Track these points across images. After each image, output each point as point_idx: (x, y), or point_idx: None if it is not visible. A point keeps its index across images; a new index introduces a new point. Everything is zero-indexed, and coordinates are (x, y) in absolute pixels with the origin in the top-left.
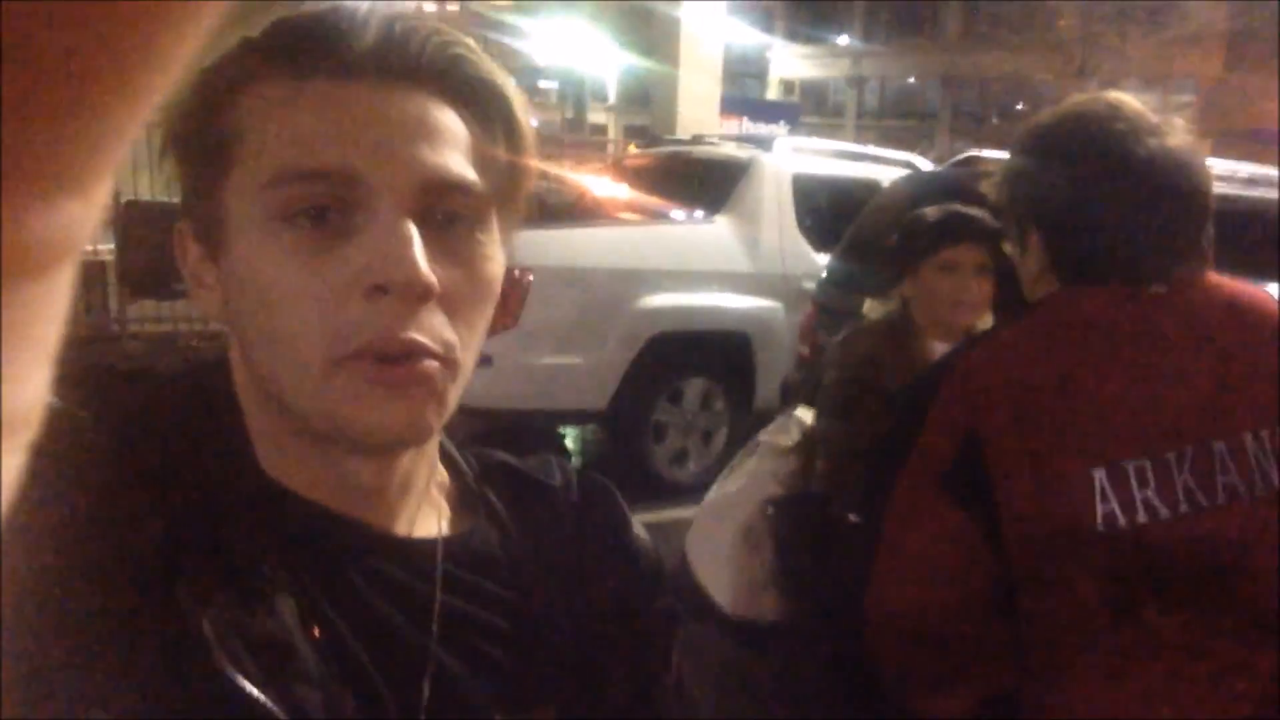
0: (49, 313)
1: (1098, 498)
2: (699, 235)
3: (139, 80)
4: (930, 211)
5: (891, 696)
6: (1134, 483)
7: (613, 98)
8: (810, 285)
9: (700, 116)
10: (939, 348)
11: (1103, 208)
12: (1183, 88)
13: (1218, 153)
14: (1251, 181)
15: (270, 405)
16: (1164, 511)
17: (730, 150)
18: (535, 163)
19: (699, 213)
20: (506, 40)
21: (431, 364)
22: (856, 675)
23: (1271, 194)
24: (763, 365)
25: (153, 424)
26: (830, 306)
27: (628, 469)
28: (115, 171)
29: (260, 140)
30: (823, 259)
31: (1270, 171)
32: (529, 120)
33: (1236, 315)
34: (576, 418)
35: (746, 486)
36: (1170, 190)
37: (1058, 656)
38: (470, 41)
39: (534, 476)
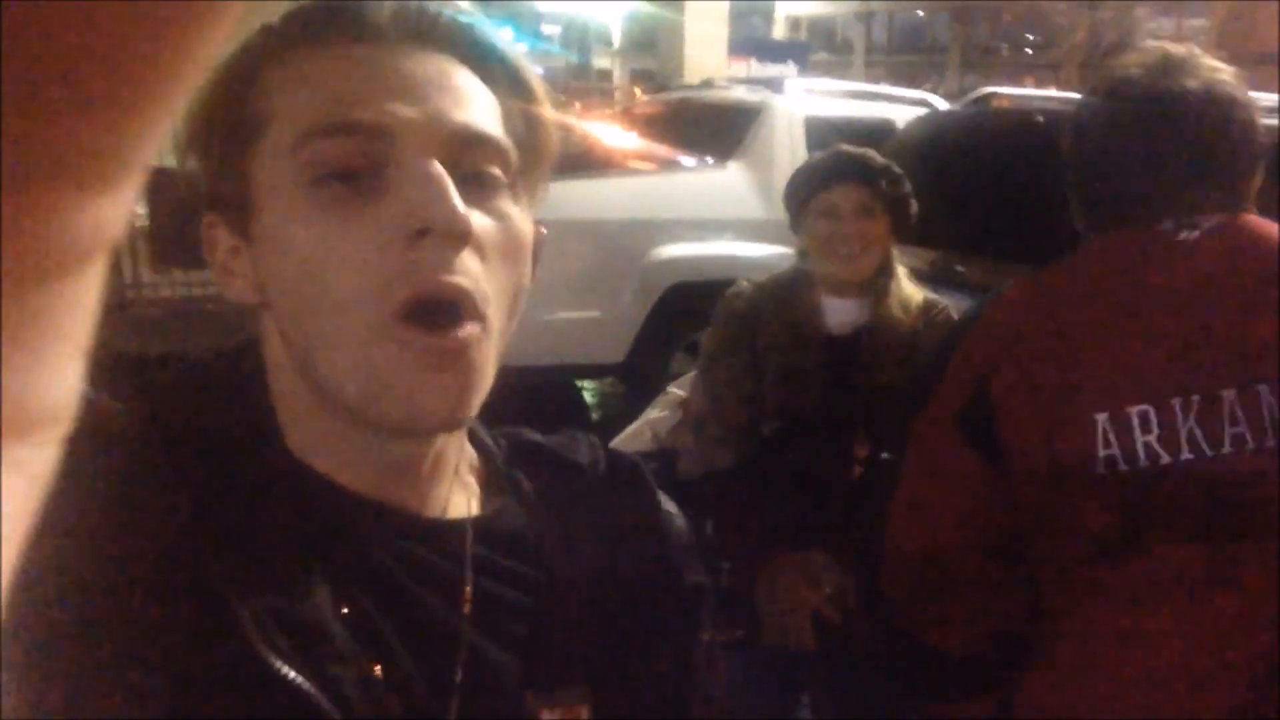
0: (81, 308)
1: (1099, 442)
2: (712, 182)
3: (164, 79)
4: (815, 156)
5: (905, 630)
6: (1136, 427)
7: (617, 42)
8: None
9: (707, 59)
10: (831, 304)
11: (1116, 151)
12: (1196, 11)
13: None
14: (1272, 111)
15: (304, 386)
16: (1165, 457)
17: (741, 94)
18: (555, 135)
19: (711, 159)
20: None
21: (473, 328)
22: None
23: None
24: None
25: (183, 410)
26: None
27: None
28: (145, 168)
29: (285, 106)
30: None
31: None
32: (545, 98)
33: (1272, 262)
34: (594, 371)
35: (627, 437)
36: (1194, 131)
37: (1065, 596)
38: (479, 15)
39: (561, 455)
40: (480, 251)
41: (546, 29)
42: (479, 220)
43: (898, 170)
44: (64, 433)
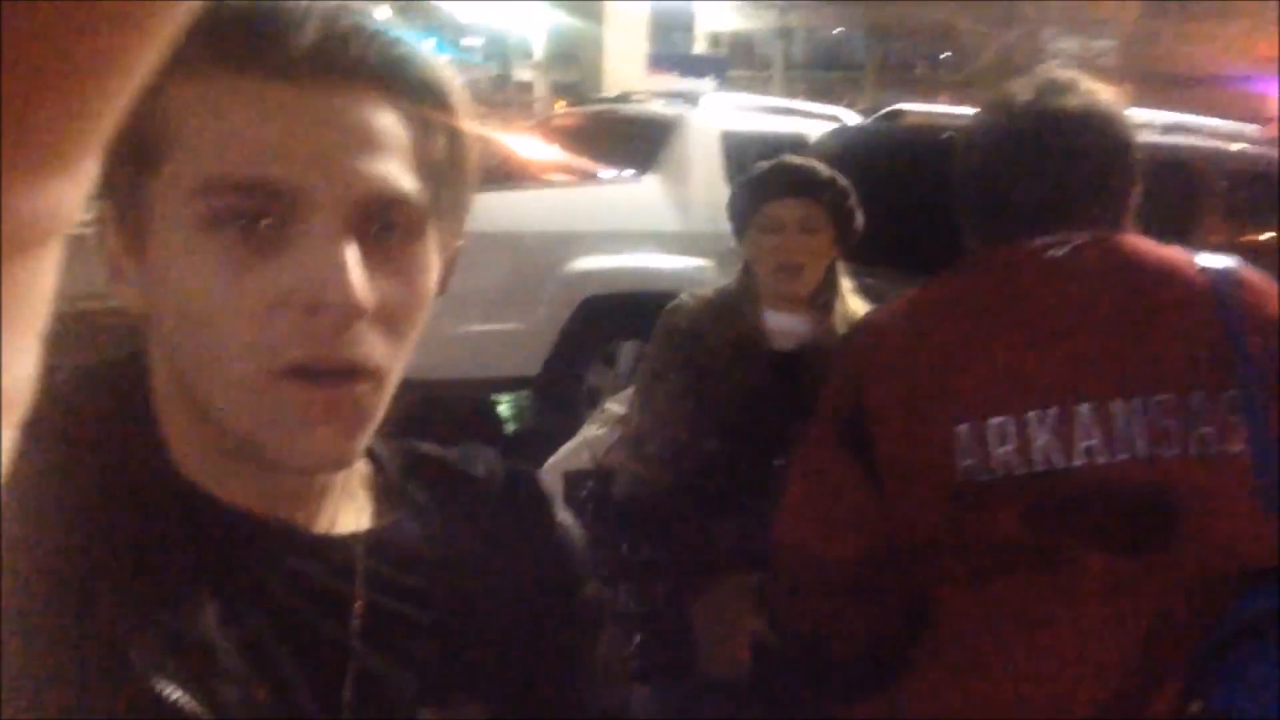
0: (37, 291)
1: (959, 453)
2: (628, 195)
3: (119, 63)
4: (759, 167)
5: (793, 635)
6: (991, 440)
7: (539, 54)
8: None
9: (627, 72)
10: (775, 318)
11: (988, 169)
12: (1102, 33)
13: (1141, 100)
14: (1169, 129)
15: (187, 408)
16: (1020, 469)
17: (657, 108)
18: (477, 159)
19: (627, 172)
20: None
21: (362, 387)
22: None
23: (1191, 141)
24: None
25: (63, 424)
26: None
27: (563, 434)
28: (100, 151)
29: (190, 141)
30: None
31: (1189, 119)
32: (472, 121)
33: (1141, 280)
34: (509, 385)
35: (565, 456)
36: (1070, 148)
37: (944, 603)
38: (415, 42)
39: (457, 468)
40: (381, 317)
41: (468, 41)
42: (382, 285)
43: (843, 183)
44: (20, 417)
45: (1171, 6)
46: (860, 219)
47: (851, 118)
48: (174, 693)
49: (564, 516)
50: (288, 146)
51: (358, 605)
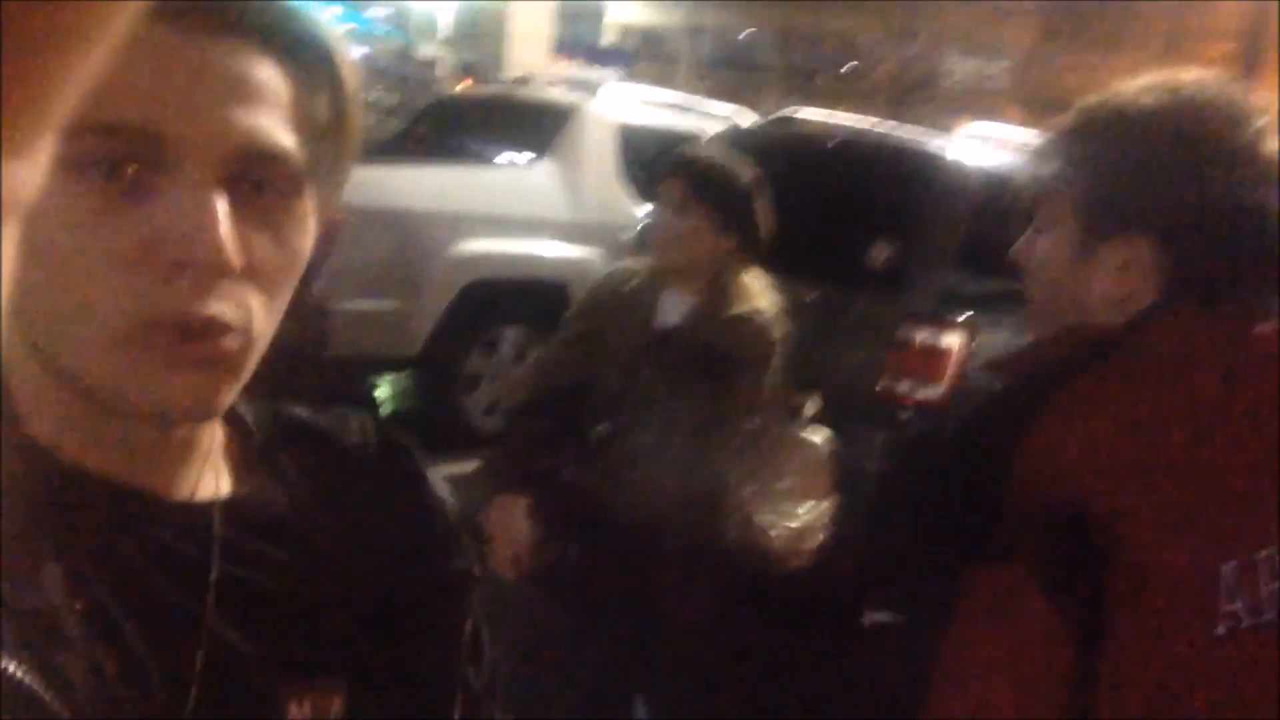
0: None
1: (1223, 595)
2: (520, 180)
3: (75, 48)
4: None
5: None
6: (1261, 577)
7: (444, 31)
8: (630, 236)
9: (530, 56)
10: (665, 295)
11: (1233, 215)
12: (999, 55)
13: (1028, 122)
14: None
15: (39, 366)
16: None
17: (555, 95)
18: (360, 125)
19: (521, 157)
20: None
21: (228, 342)
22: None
23: None
24: None
25: None
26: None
27: (439, 418)
28: (56, 133)
29: None
30: (646, 209)
31: None
32: (357, 84)
33: None
34: (387, 365)
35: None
36: None
37: None
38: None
39: (329, 433)
40: (251, 275)
41: (373, 12)
42: (254, 241)
43: (732, 171)
44: None
45: (1066, 34)
46: (752, 214)
47: (750, 119)
48: (8, 664)
49: (438, 486)
50: (156, 92)
51: (213, 575)
